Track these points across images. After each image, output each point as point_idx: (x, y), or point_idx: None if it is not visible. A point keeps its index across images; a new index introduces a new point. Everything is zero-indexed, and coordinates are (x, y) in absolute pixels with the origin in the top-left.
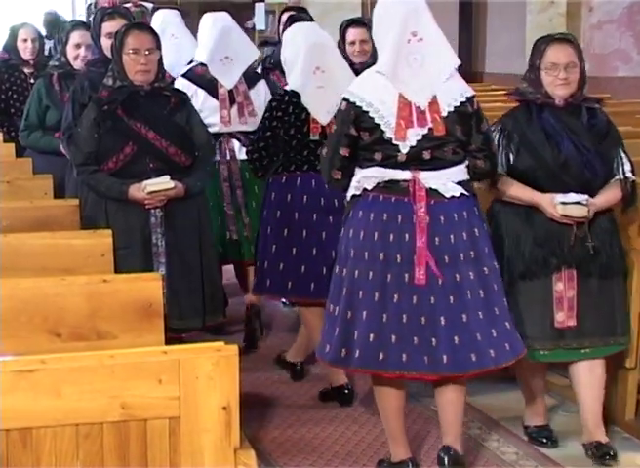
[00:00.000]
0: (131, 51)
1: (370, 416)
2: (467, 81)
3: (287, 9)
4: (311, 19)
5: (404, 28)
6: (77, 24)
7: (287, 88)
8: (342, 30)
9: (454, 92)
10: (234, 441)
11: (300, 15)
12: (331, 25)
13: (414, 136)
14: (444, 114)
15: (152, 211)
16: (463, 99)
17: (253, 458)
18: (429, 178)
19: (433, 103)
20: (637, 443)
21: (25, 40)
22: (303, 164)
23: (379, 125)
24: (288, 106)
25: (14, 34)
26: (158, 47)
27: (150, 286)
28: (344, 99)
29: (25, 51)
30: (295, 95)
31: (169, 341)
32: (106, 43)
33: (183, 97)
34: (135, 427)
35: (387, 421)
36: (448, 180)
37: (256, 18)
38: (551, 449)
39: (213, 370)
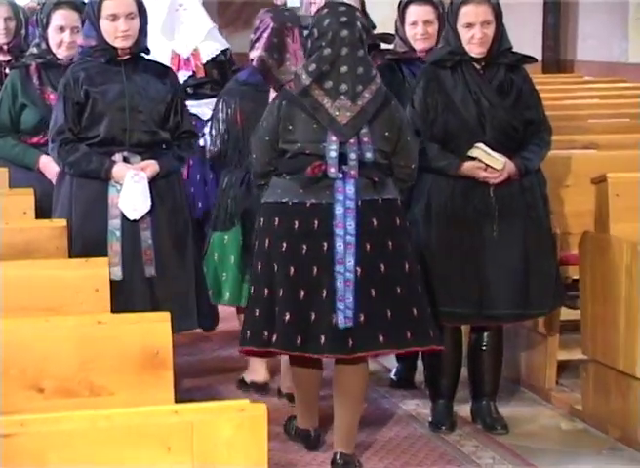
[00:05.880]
0: None
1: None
2: (554, 71)
3: None
4: None
5: (173, 1)
6: (60, 3)
7: None
8: (402, 8)
9: (212, 46)
10: None
11: None
12: (378, 2)
13: (182, 77)
14: (204, 62)
15: None
16: (218, 52)
17: None
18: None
19: (196, 54)
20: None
21: None
22: None
23: None
24: None
25: None
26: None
27: (156, 329)
28: None
29: None
30: None
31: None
32: (107, 26)
33: None
34: None
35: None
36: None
37: None
38: None
39: (235, 434)
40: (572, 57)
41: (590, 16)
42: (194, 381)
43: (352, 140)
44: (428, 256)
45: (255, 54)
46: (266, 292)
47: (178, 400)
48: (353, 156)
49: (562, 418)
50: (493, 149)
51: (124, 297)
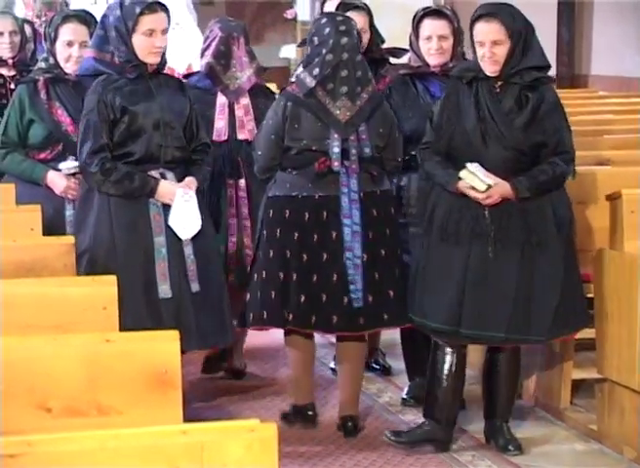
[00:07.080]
0: None
1: None
2: (568, 86)
3: None
4: (366, 7)
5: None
6: (68, 17)
7: None
8: (416, 23)
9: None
10: None
11: (353, 1)
12: (390, 14)
13: None
14: None
15: None
16: None
17: None
18: None
19: (189, 69)
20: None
21: (1, 33)
22: None
23: None
24: None
25: None
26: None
27: (165, 347)
28: None
29: (0, 47)
30: None
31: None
32: (143, 42)
33: None
34: None
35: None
36: None
37: (297, 6)
38: None
39: (245, 455)
40: (586, 71)
41: (604, 30)
42: (203, 401)
43: (352, 137)
44: (421, 268)
45: (204, 61)
46: (281, 275)
47: (187, 419)
48: (354, 152)
49: (577, 438)
50: (491, 170)
51: (171, 315)
